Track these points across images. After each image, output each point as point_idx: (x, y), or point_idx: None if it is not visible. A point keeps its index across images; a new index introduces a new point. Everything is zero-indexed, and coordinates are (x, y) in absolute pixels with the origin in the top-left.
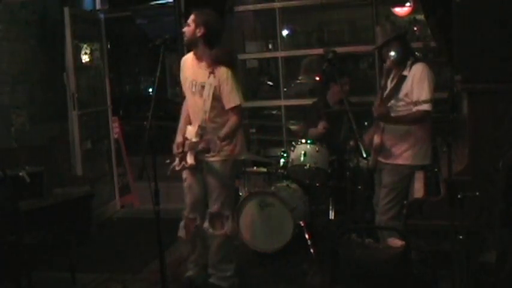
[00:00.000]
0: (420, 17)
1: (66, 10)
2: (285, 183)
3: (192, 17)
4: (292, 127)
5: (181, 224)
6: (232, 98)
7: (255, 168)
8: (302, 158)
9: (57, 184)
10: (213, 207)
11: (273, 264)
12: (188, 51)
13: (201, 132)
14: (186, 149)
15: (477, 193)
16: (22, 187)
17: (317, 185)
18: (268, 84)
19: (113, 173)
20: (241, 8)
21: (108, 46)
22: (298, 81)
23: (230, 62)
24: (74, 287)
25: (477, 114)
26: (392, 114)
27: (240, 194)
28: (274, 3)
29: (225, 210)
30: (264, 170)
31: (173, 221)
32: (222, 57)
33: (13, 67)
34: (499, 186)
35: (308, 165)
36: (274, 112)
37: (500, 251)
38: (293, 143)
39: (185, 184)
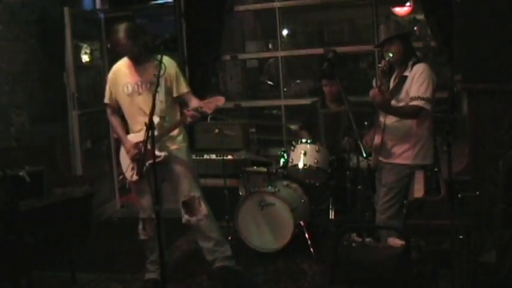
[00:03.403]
0: (420, 17)
1: (66, 10)
2: (285, 183)
3: (123, 36)
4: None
5: (140, 227)
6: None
7: (255, 168)
8: (302, 158)
9: (57, 184)
10: (185, 195)
11: (273, 264)
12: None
13: (163, 122)
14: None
15: (477, 193)
16: (22, 187)
17: (317, 185)
18: (269, 84)
19: (113, 173)
20: (241, 8)
21: (108, 46)
22: (298, 82)
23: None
24: (74, 287)
25: (477, 114)
26: None
27: (240, 194)
28: (274, 3)
29: (195, 193)
30: (264, 170)
31: (173, 221)
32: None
33: (13, 67)
34: (499, 186)
35: (308, 165)
36: (274, 112)
37: (500, 251)
38: (293, 142)
39: (135, 189)
